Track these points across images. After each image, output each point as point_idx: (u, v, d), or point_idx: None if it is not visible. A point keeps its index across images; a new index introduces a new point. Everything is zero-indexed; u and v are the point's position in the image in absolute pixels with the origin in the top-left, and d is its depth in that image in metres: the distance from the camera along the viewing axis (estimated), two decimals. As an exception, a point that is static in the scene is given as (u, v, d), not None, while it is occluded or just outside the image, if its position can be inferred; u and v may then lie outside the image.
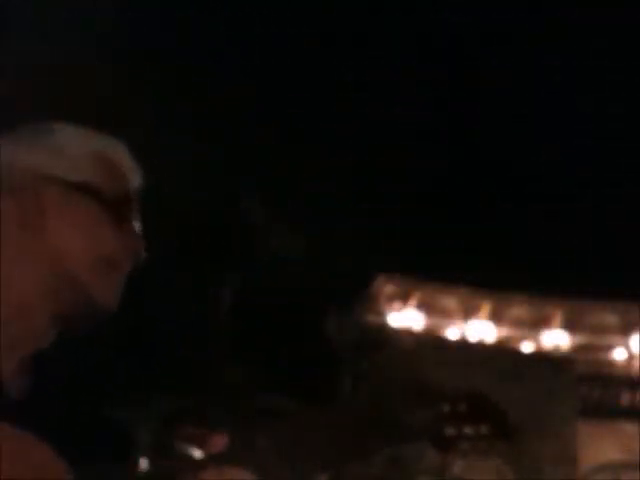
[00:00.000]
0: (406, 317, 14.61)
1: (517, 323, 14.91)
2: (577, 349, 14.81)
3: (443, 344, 14.20)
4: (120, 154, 1.50)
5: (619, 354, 14.89)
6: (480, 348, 14.09)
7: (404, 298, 14.75)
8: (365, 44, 13.67)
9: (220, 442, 1.38)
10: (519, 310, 14.95)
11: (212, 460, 1.37)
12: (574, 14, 13.67)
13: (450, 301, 14.91)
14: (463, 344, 14.33)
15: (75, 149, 1.44)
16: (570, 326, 14.86)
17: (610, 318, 14.93)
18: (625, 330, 14.86)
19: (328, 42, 13.24)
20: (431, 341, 14.21)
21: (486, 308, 14.84)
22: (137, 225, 1.47)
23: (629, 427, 14.42)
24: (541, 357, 14.21)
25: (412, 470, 12.57)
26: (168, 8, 11.96)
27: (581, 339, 14.87)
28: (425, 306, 14.80)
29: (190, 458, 1.38)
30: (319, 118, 13.20)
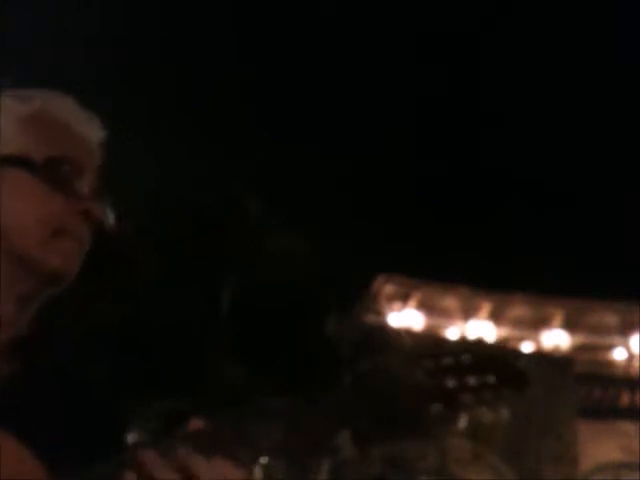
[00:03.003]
0: (406, 317, 14.60)
1: (517, 323, 14.90)
2: (577, 349, 14.80)
3: (443, 344, 14.19)
4: (62, 111, 1.43)
5: (619, 354, 14.88)
6: (480, 348, 14.06)
7: (404, 298, 14.74)
8: (364, 44, 13.67)
9: (196, 424, 1.36)
10: (519, 310, 14.95)
11: (196, 437, 1.36)
12: (576, 15, 13.67)
13: (450, 301, 14.91)
14: (463, 344, 14.33)
15: (5, 118, 1.38)
16: (570, 326, 14.86)
17: (610, 318, 14.92)
18: (625, 330, 14.86)
19: (328, 43, 13.24)
20: (431, 341, 14.20)
21: (486, 308, 14.83)
22: (89, 185, 1.40)
23: (629, 427, 14.41)
24: (541, 357, 14.21)
25: (412, 470, 12.57)
26: (168, 8, 11.95)
27: (581, 339, 14.86)
28: (425, 306, 14.80)
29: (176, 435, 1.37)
30: (319, 118, 13.19)
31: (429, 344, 13.94)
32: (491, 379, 1.38)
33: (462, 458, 13.33)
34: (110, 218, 1.41)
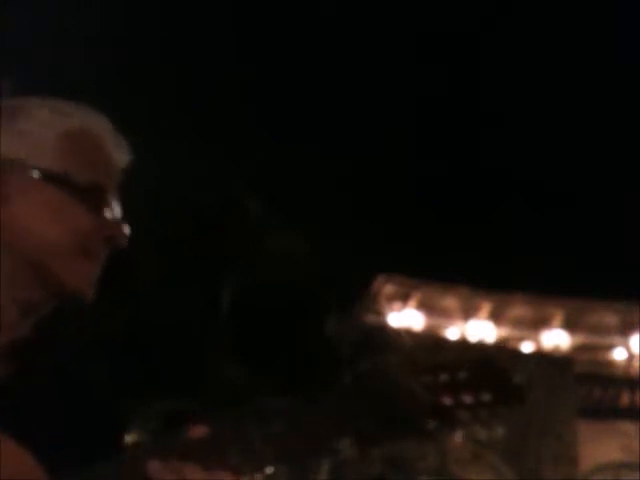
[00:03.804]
0: (406, 317, 14.60)
1: (517, 323, 14.90)
2: (577, 349, 14.80)
3: (443, 344, 14.20)
4: (100, 132, 1.43)
5: (619, 354, 14.88)
6: (480, 348, 14.06)
7: (404, 298, 14.74)
8: (364, 44, 13.67)
9: (199, 431, 1.36)
10: (519, 310, 14.94)
11: (188, 448, 1.36)
12: (576, 15, 13.67)
13: (450, 301, 14.90)
14: (463, 344, 14.34)
15: (45, 132, 1.36)
16: (570, 326, 14.85)
17: (610, 318, 14.92)
18: (625, 330, 14.85)
19: (328, 43, 13.24)
20: (431, 341, 14.20)
21: (486, 308, 14.83)
22: (116, 209, 1.41)
23: (629, 427, 14.41)
24: (541, 357, 14.21)
25: (412, 470, 12.57)
26: (168, 8, 11.95)
27: (581, 339, 14.86)
28: (425, 306, 14.79)
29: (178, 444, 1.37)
30: (319, 118, 13.19)
31: (429, 344, 13.94)
32: (487, 397, 1.38)
33: (462, 458, 13.33)
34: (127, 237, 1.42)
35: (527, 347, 14.70)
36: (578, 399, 14.33)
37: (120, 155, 1.44)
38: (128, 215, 1.44)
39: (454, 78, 14.46)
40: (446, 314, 14.89)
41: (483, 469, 13.53)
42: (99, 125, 1.43)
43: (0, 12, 9.02)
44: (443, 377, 1.36)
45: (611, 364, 14.88)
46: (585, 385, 14.56)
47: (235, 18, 13.14)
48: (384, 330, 14.01)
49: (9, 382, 1.35)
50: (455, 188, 14.50)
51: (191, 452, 1.34)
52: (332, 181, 13.05)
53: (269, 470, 1.36)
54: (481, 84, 14.66)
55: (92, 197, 1.36)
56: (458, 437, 1.35)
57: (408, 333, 14.22)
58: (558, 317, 14.92)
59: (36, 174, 1.34)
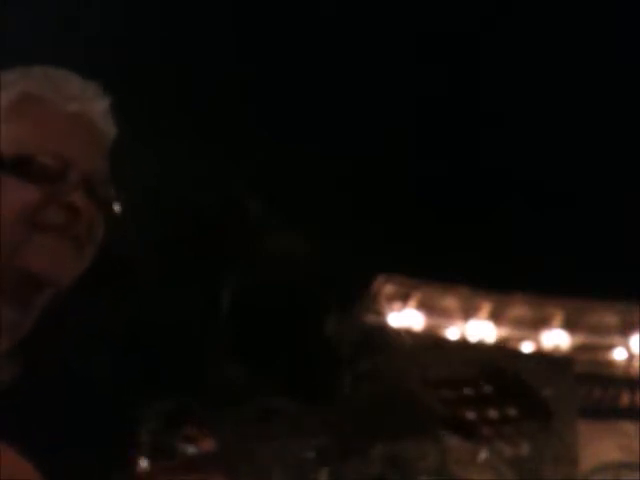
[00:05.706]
0: (406, 317, 14.61)
1: (517, 323, 14.91)
2: (577, 349, 14.81)
3: (443, 344, 14.20)
4: (48, 91, 1.33)
5: (619, 354, 14.89)
6: (480, 348, 14.09)
7: (404, 298, 14.74)
8: (364, 44, 13.68)
9: (207, 444, 1.38)
10: (519, 310, 14.95)
11: (203, 459, 1.36)
12: (576, 15, 13.68)
13: (450, 301, 14.91)
14: (463, 344, 14.35)
15: None
16: (570, 326, 14.87)
17: (610, 318, 14.93)
18: (625, 330, 14.86)
19: (328, 43, 13.25)
20: (431, 341, 14.21)
21: (486, 308, 14.84)
22: (80, 172, 1.31)
23: (629, 427, 14.42)
24: (541, 357, 14.22)
25: (412, 470, 12.57)
26: (168, 8, 11.96)
27: (581, 339, 14.87)
28: (425, 306, 14.80)
29: (184, 456, 1.38)
30: (319, 118, 13.20)
31: (429, 344, 13.94)
32: (512, 412, 1.35)
33: (462, 458, 13.33)
34: (115, 206, 1.35)
35: (527, 347, 14.70)
36: (578, 399, 14.34)
37: (85, 104, 1.33)
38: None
39: (454, 78, 14.47)
40: (446, 314, 14.89)
41: (483, 469, 13.53)
42: (45, 83, 1.33)
43: (0, 12, 9.02)
44: (467, 391, 1.34)
45: (611, 364, 14.89)
46: (585, 385, 14.57)
47: (235, 18, 13.15)
48: (384, 330, 14.01)
49: (13, 384, 1.35)
50: (455, 188, 14.52)
51: (197, 465, 1.34)
52: (332, 181, 13.06)
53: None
54: (481, 84, 14.67)
55: (28, 168, 1.27)
56: (482, 456, 1.33)
57: (408, 333, 14.22)
58: (558, 317, 14.93)
59: None
